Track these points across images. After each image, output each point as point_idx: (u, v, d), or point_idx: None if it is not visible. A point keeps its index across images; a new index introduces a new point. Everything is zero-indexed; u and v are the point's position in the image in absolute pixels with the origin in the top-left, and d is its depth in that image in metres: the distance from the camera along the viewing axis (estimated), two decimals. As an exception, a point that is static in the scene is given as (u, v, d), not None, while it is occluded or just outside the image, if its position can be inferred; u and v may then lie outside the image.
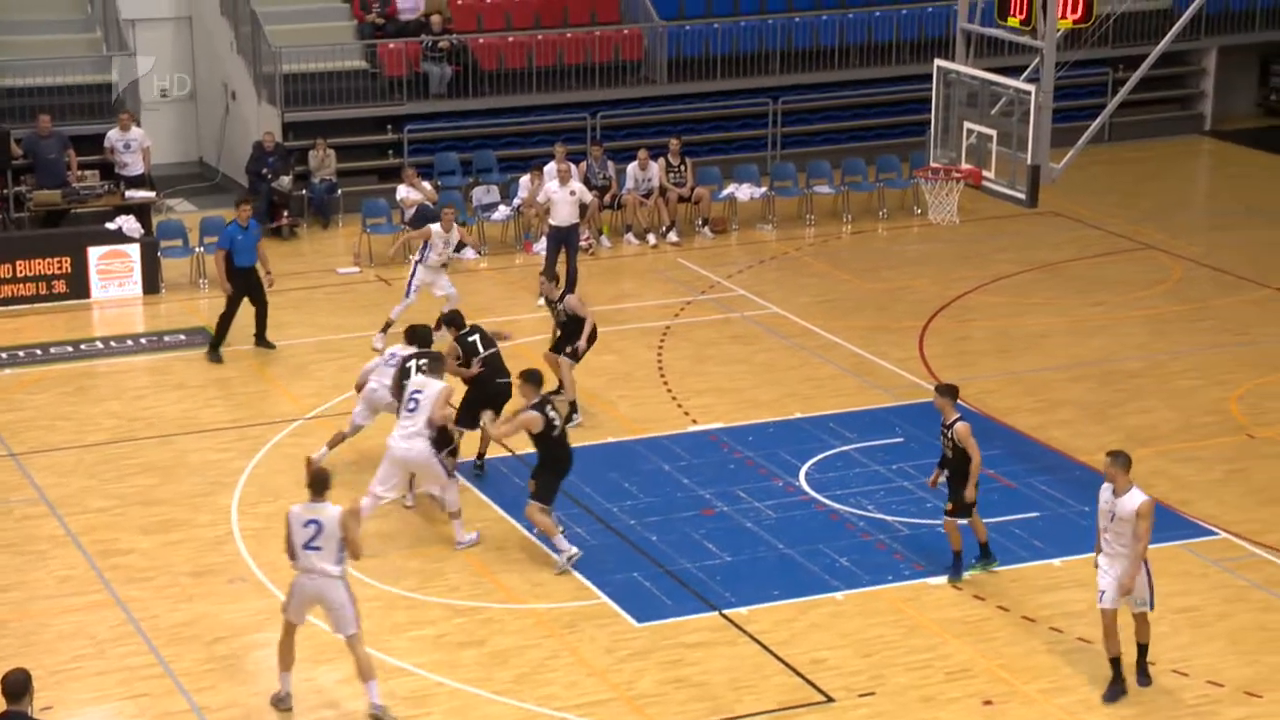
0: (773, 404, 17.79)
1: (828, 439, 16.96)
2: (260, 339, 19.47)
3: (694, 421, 17.42)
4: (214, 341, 19.27)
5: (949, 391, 14.18)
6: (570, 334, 17.31)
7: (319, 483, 12.17)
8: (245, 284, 19.20)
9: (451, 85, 25.21)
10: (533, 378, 14.59)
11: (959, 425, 13.97)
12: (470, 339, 15.96)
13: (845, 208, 24.48)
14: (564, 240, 21.01)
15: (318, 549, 12.06)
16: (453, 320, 16.31)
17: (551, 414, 14.53)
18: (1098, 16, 16.91)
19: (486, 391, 15.83)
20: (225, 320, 19.22)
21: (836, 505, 15.59)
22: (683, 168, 23.87)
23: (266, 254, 19.62)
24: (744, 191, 24.23)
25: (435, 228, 19.52)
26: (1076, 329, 20.16)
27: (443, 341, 16.38)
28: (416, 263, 19.54)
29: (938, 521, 15.24)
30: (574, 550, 14.54)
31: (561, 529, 14.63)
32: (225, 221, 19.68)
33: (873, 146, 26.10)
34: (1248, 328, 20.15)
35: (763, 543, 14.96)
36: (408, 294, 19.48)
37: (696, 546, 14.88)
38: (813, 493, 15.89)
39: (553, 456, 14.55)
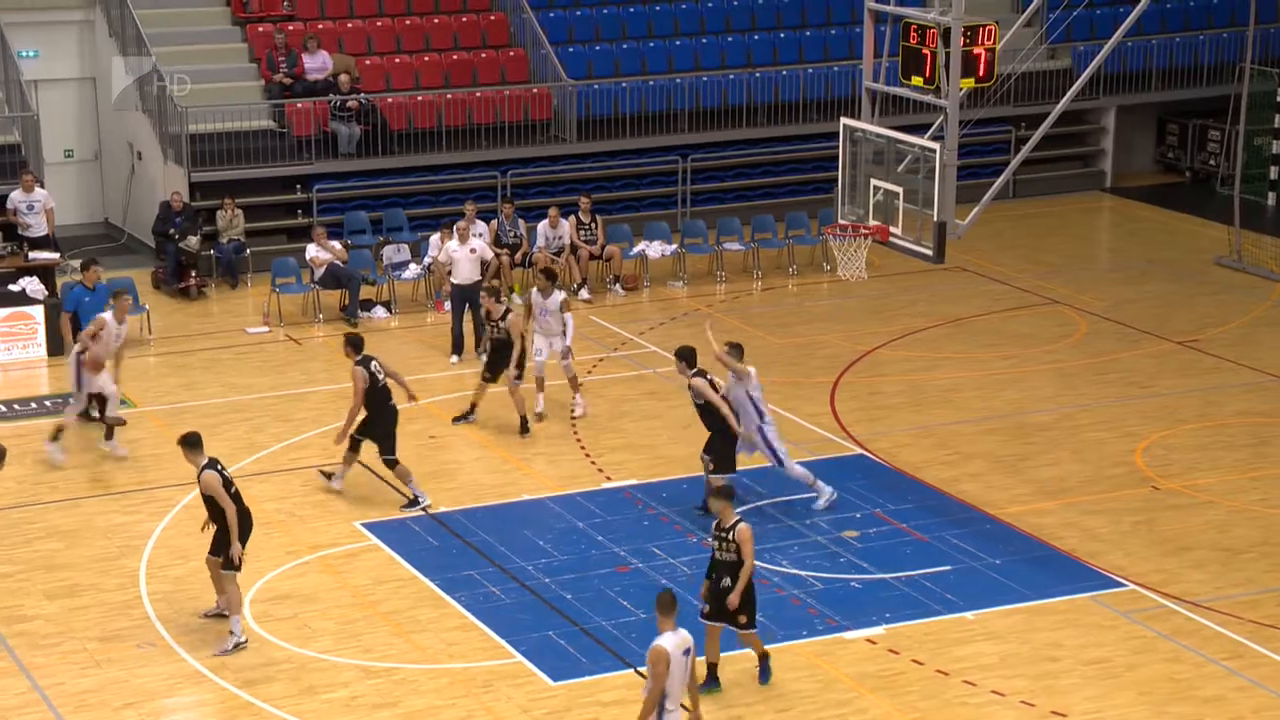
0: (687, 460, 17.81)
1: (741, 494, 16.89)
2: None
3: (608, 478, 17.42)
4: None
5: (728, 494, 13.35)
6: (500, 358, 18.30)
7: None
8: None
9: (360, 145, 25.18)
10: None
11: (741, 527, 13.08)
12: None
13: (755, 264, 24.65)
14: (466, 298, 21.02)
15: None
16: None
17: (713, 376, 16.25)
18: (999, 76, 17.18)
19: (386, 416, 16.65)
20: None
21: (751, 561, 15.61)
22: (593, 225, 23.96)
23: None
24: (655, 249, 24.36)
25: (107, 316, 17.93)
26: (986, 382, 20.39)
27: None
28: (78, 354, 17.86)
29: (852, 576, 15.35)
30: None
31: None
32: (71, 285, 19.58)
33: (782, 204, 26.33)
34: (1151, 380, 20.49)
35: (678, 599, 14.93)
36: (79, 388, 17.83)
37: (612, 604, 14.85)
38: (727, 548, 15.90)
39: (719, 425, 15.97)
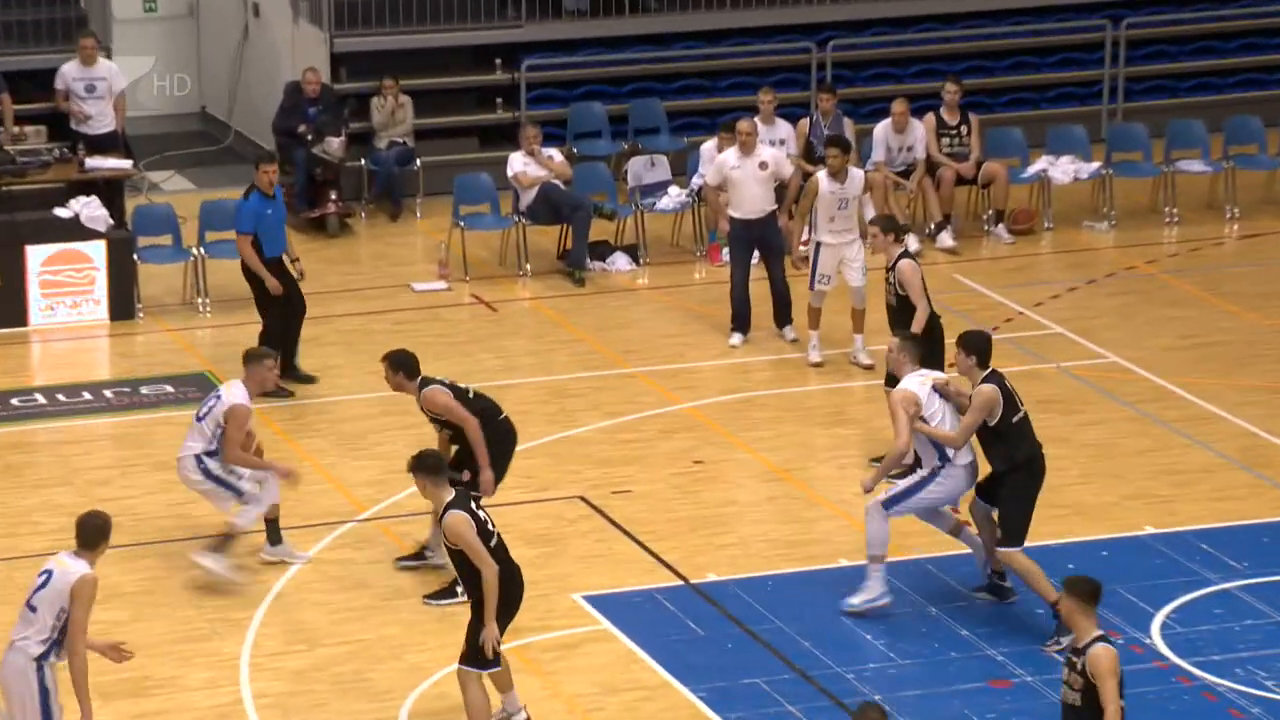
0: (1109, 510, 17.64)
1: (1200, 570, 16.80)
2: (292, 369, 19.82)
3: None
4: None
5: (1087, 593, 12.64)
6: (900, 322, 18.15)
7: (87, 534, 13.15)
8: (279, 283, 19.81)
9: (595, -3, 25.47)
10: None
11: (1096, 651, 12.51)
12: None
13: (1230, 197, 24.39)
14: (756, 240, 21.06)
15: (32, 610, 13.11)
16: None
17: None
18: None
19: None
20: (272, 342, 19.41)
21: (1212, 678, 15.39)
22: (964, 129, 23.87)
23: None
24: (1063, 169, 24.20)
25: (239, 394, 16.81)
26: None
27: None
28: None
29: (1381, 708, 14.96)
30: None
31: None
32: (243, 194, 19.93)
33: (1274, 98, 26.19)
34: None
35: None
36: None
37: (984, 738, 14.79)
38: (1173, 657, 15.71)
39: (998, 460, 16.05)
